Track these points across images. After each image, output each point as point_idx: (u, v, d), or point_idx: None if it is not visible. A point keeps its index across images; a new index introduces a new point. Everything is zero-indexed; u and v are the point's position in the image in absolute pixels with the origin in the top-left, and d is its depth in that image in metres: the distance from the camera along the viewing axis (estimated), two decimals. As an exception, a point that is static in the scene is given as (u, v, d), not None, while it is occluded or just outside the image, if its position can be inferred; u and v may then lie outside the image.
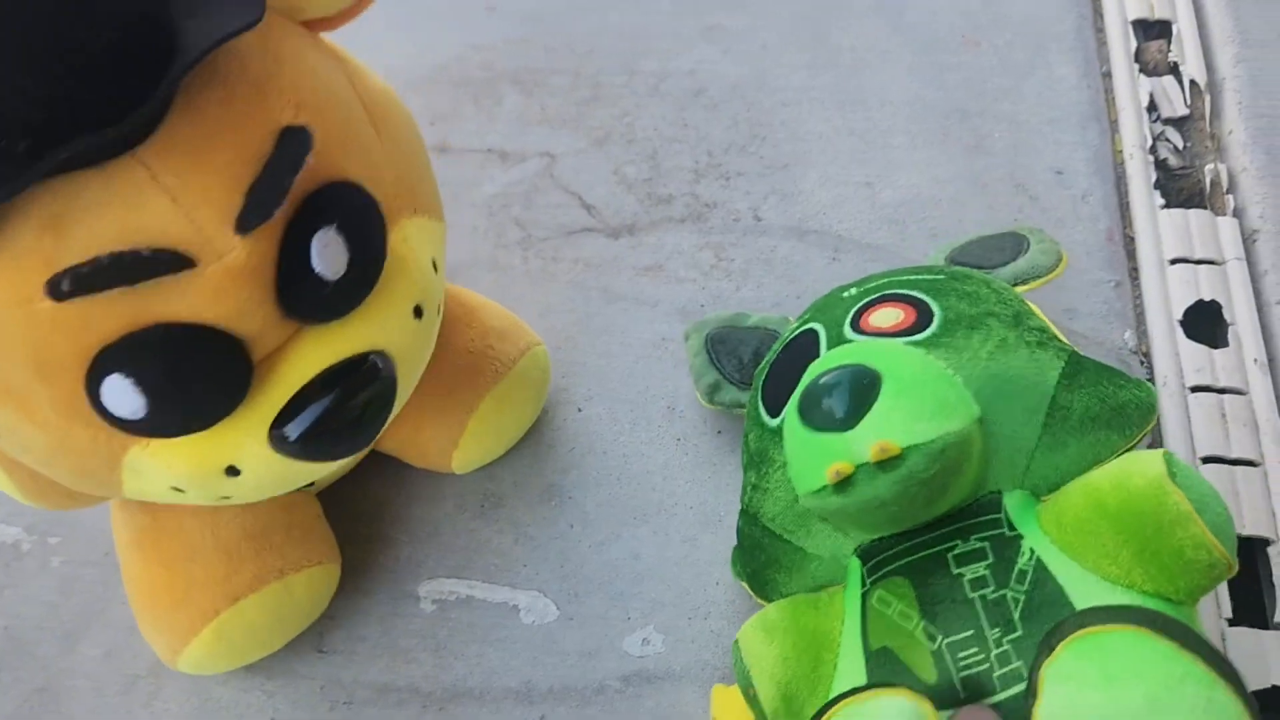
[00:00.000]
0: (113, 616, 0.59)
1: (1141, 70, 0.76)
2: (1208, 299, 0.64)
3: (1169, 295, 0.64)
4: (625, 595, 0.56)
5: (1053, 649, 0.36)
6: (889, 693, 0.37)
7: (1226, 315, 0.63)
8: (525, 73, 0.82)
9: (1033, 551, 0.40)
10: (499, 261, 0.71)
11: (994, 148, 0.73)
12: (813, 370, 0.43)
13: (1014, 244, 0.58)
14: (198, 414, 0.39)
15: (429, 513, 0.60)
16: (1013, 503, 0.42)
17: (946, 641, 0.39)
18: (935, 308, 0.47)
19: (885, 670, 0.40)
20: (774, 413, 0.49)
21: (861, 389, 0.40)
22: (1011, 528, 0.41)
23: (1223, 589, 0.54)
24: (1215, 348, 0.62)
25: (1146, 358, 0.62)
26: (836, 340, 0.48)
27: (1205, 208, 0.68)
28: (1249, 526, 0.55)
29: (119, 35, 0.34)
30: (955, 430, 0.40)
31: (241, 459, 0.40)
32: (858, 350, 0.43)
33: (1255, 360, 0.61)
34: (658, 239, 0.71)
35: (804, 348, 0.49)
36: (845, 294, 0.52)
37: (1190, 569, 0.38)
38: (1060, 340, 0.47)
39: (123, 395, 0.37)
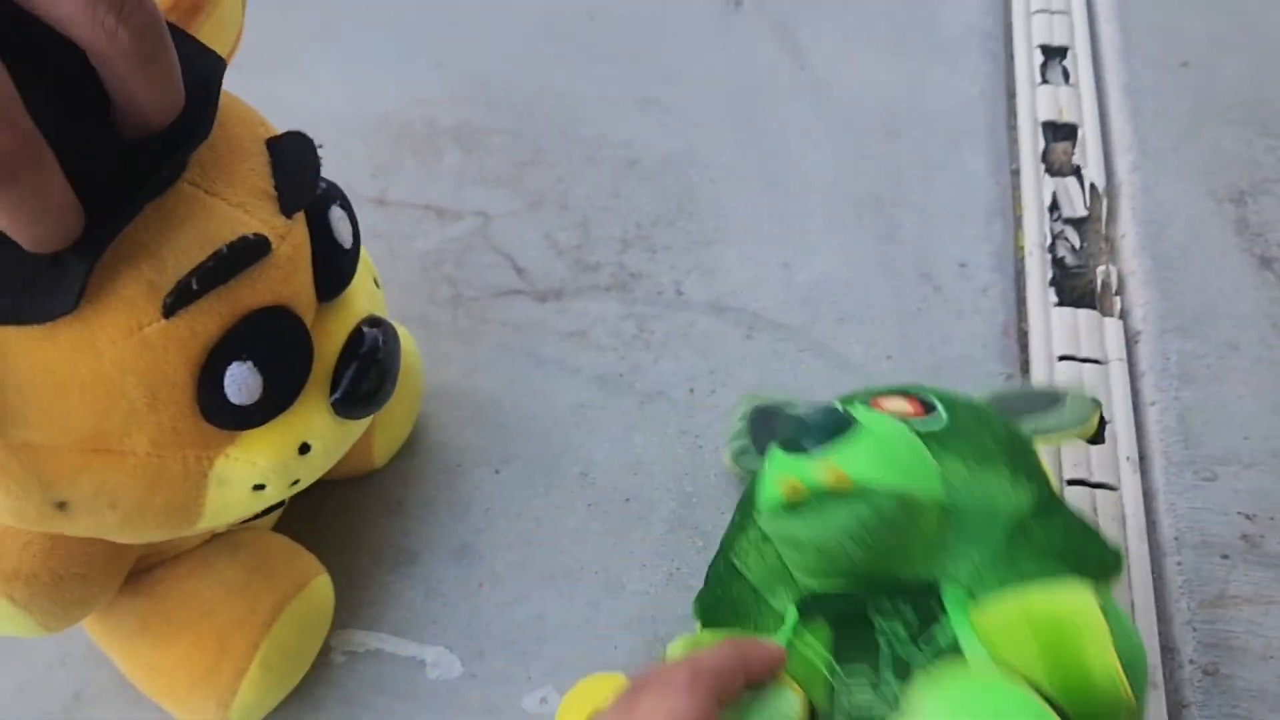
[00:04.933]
0: (28, 651, 0.60)
1: (1047, 170, 0.81)
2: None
3: (1054, 391, 0.69)
4: (528, 655, 0.59)
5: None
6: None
7: (1105, 414, 0.68)
8: (467, 130, 0.85)
9: (951, 631, 0.42)
10: (429, 318, 0.74)
11: (904, 236, 0.77)
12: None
13: (1047, 400, 0.57)
14: (297, 386, 0.45)
15: (343, 566, 0.62)
16: (951, 595, 0.44)
17: (844, 673, 0.43)
18: (942, 411, 0.49)
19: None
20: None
21: (835, 428, 0.43)
22: (942, 609, 0.43)
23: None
24: (1093, 444, 0.66)
25: (1030, 449, 0.67)
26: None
27: (1095, 308, 0.73)
28: (1109, 617, 0.60)
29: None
30: (910, 494, 0.42)
31: (311, 432, 0.46)
32: (853, 410, 0.45)
33: (1128, 458, 0.65)
34: (583, 306, 0.74)
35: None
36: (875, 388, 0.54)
37: (1093, 696, 0.39)
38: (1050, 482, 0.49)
39: (244, 380, 0.41)
